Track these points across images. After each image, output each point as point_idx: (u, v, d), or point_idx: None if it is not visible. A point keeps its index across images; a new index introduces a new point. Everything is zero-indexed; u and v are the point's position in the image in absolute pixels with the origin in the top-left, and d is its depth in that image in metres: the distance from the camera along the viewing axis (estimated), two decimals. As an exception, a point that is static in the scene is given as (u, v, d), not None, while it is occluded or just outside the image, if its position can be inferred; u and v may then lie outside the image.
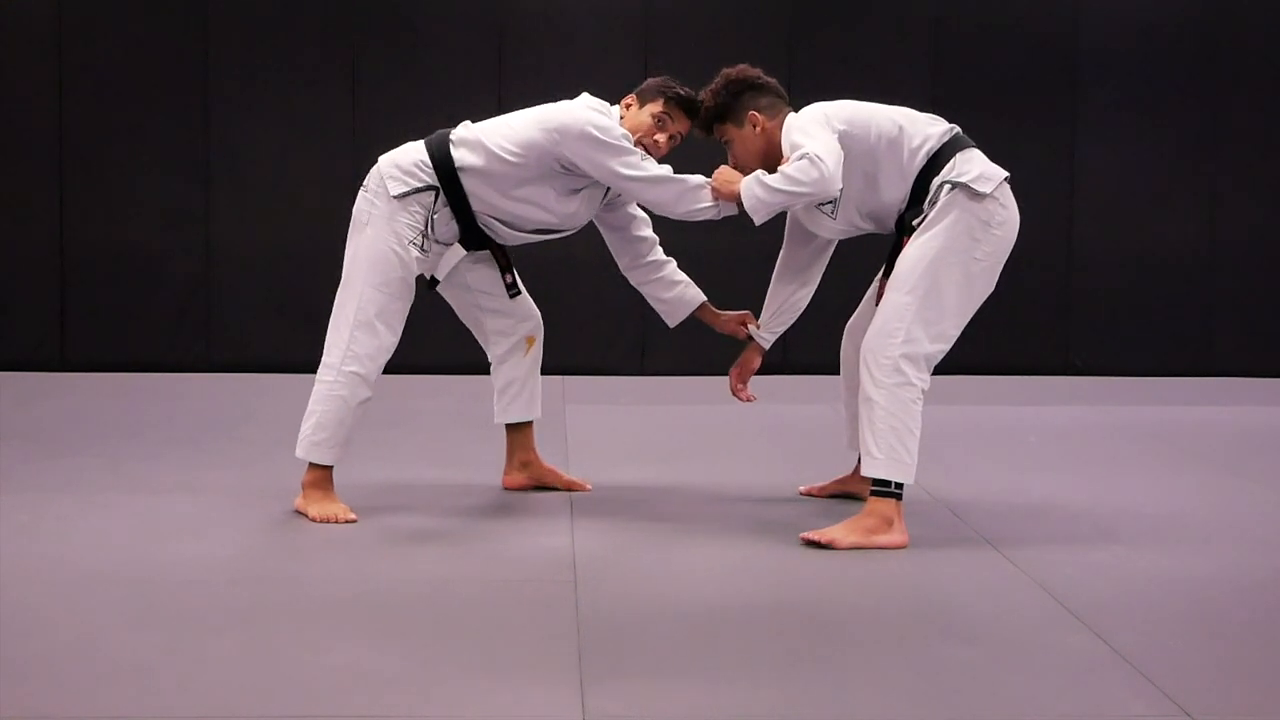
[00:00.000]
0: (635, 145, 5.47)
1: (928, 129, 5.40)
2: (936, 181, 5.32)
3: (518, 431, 5.99)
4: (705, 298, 5.89)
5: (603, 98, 9.07)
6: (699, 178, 5.48)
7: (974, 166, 5.33)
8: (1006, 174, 5.37)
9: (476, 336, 6.01)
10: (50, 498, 5.72)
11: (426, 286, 5.73)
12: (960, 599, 4.60)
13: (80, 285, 9.32)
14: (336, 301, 5.57)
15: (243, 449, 6.82)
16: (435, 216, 5.50)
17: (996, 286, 5.57)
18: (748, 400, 5.89)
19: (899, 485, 5.21)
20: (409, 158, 5.52)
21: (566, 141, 5.40)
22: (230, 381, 8.94)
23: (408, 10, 9.33)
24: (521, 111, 5.59)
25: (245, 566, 4.82)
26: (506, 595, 4.52)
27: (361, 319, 5.48)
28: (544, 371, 9.21)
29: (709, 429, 7.61)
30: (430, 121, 9.44)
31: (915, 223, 5.33)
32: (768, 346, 5.86)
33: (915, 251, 5.29)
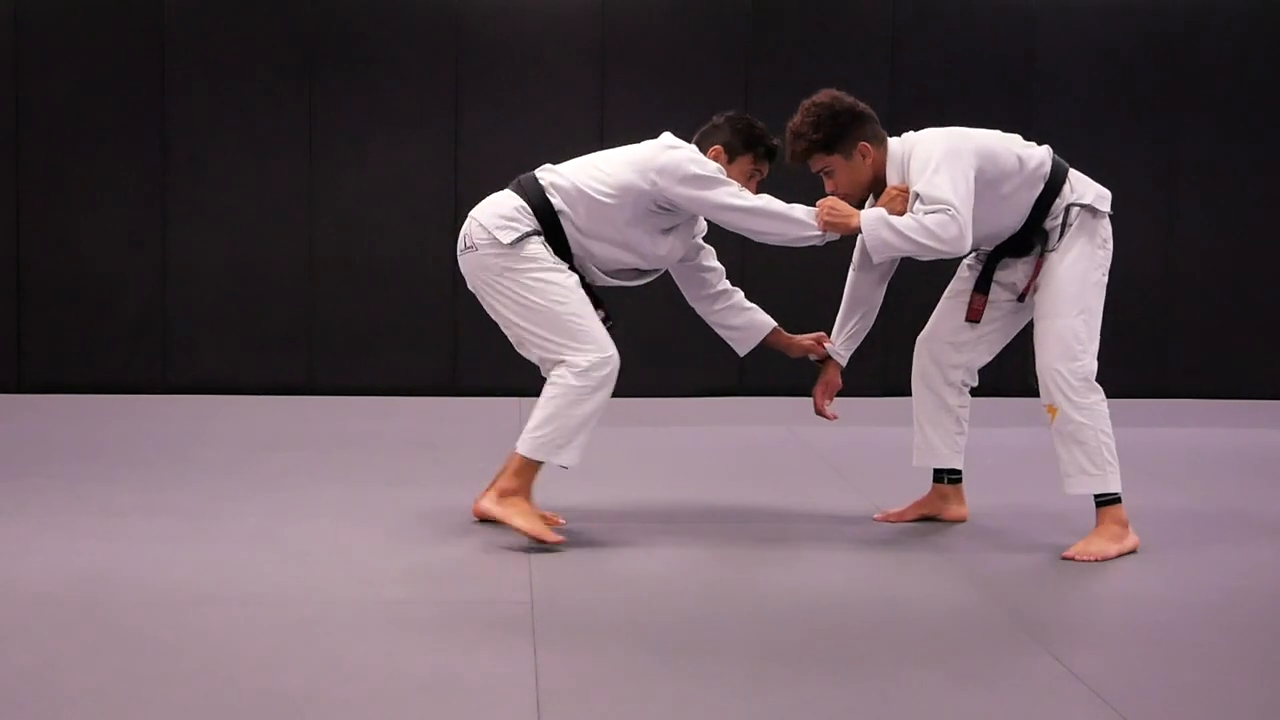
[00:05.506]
0: None
1: (1038, 154, 5.52)
2: (1061, 204, 5.49)
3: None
4: (776, 323, 5.90)
5: (560, 117, 9.10)
6: (802, 207, 5.47)
7: (1088, 186, 5.55)
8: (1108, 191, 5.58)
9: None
10: (6, 520, 5.70)
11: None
12: (917, 621, 4.62)
13: (37, 307, 9.28)
14: (536, 321, 5.48)
15: (200, 470, 6.80)
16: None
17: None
18: (832, 418, 5.90)
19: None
20: (507, 204, 5.52)
21: (666, 182, 5.40)
22: (187, 403, 8.92)
23: (365, 32, 9.33)
24: (604, 154, 5.61)
25: (202, 588, 4.81)
26: (464, 617, 4.52)
27: (577, 325, 5.44)
28: (500, 392, 9.25)
29: (666, 451, 7.62)
30: (388, 143, 9.49)
31: (1050, 246, 5.48)
32: (845, 364, 5.89)
33: (1066, 273, 5.46)
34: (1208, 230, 9.81)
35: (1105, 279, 5.55)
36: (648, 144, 5.56)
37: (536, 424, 5.44)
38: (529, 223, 5.48)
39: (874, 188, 5.57)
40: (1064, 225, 5.48)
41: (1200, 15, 9.67)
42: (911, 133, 5.58)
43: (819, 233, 5.45)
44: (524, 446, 5.45)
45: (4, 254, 9.22)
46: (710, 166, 5.44)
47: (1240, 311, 9.84)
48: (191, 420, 8.31)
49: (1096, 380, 5.47)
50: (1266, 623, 4.66)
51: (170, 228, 9.29)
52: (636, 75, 9.29)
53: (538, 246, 5.47)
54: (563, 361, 5.46)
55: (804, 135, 5.52)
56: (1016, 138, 5.58)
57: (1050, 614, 4.67)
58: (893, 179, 5.50)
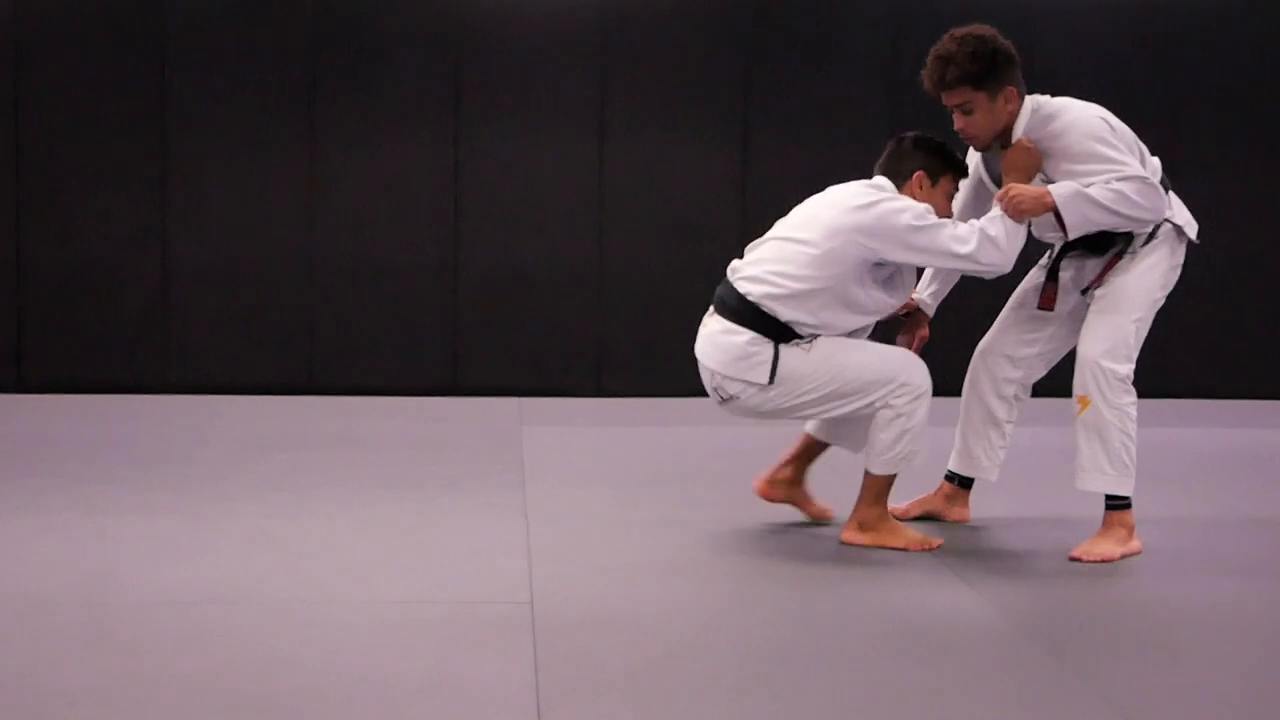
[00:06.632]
0: None
1: (1155, 162, 5.52)
2: None
3: (811, 450, 5.80)
4: None
5: (560, 117, 9.06)
6: (993, 218, 5.31)
7: (1182, 210, 5.60)
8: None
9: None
10: (6, 520, 5.70)
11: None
12: (919, 622, 4.62)
13: (37, 307, 9.28)
14: (835, 395, 5.33)
15: (200, 470, 6.79)
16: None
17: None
18: None
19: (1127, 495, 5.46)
20: (738, 343, 5.34)
21: (882, 244, 5.22)
22: (188, 403, 8.91)
23: (365, 30, 9.32)
24: (791, 227, 5.40)
25: (202, 588, 4.80)
26: (464, 617, 4.52)
27: (869, 375, 5.33)
28: (500, 392, 9.24)
29: (666, 451, 7.62)
30: (388, 143, 9.47)
31: (1131, 249, 5.48)
32: (932, 313, 5.83)
33: (1136, 279, 5.47)
34: (1208, 230, 9.79)
35: (1163, 301, 5.55)
36: (842, 202, 5.32)
37: (884, 448, 5.39)
38: (768, 349, 5.31)
39: (1002, 136, 5.41)
40: (1150, 236, 5.47)
41: (1200, 15, 9.66)
42: (1045, 96, 5.45)
43: (1022, 227, 5.29)
44: (877, 467, 5.43)
45: (5, 254, 9.22)
46: (919, 209, 5.24)
47: (1240, 311, 9.84)
48: (191, 420, 8.30)
49: None
50: (1267, 623, 4.66)
51: (170, 228, 9.29)
52: (636, 75, 9.28)
53: (786, 354, 5.32)
54: (885, 402, 5.38)
55: (959, 63, 5.31)
56: (1136, 137, 5.51)
57: (1052, 615, 4.66)
58: (1018, 133, 5.36)
